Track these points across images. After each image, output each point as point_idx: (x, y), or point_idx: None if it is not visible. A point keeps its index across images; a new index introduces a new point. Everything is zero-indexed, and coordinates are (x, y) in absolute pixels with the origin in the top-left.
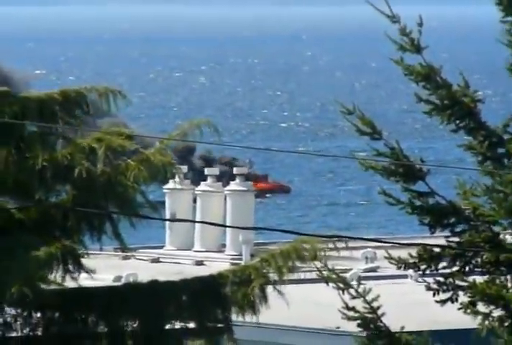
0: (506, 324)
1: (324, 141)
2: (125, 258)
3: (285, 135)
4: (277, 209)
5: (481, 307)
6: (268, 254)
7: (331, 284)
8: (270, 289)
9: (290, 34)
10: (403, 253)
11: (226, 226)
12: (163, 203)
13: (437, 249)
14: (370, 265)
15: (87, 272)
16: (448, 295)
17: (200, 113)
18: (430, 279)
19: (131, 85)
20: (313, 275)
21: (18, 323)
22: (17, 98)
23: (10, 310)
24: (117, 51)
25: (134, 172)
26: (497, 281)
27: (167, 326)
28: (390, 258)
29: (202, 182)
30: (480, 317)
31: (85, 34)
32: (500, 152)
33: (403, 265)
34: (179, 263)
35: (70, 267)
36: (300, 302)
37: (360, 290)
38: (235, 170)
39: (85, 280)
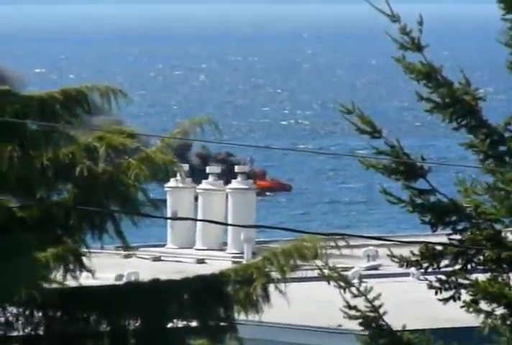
0: (508, 322)
1: (325, 139)
2: (126, 257)
3: (285, 133)
4: (278, 207)
5: (483, 305)
6: (270, 252)
7: (332, 283)
8: (271, 287)
9: (291, 31)
10: (404, 251)
11: (227, 224)
12: (164, 201)
13: (439, 247)
14: (372, 263)
15: (88, 271)
16: (450, 293)
17: (201, 111)
18: (432, 278)
19: (131, 83)
20: (315, 273)
21: (20, 322)
22: (19, 97)
23: (12, 309)
24: (117, 49)
25: (135, 171)
26: (500, 279)
27: (170, 325)
28: (392, 256)
29: (203, 181)
30: (482, 315)
31: (85, 32)
32: (501, 149)
33: (405, 263)
34: (180, 261)
35: (72, 266)
36: (302, 301)
37: (362, 288)
38: (236, 168)
39: (86, 279)
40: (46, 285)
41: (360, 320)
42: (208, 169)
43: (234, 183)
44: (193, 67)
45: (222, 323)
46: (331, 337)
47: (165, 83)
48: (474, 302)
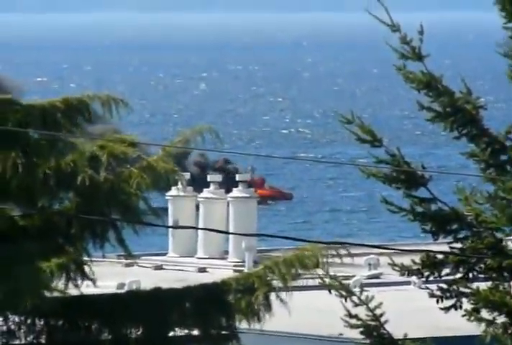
0: (510, 331)
1: (325, 147)
2: (128, 265)
3: (286, 142)
4: (278, 216)
5: (485, 314)
6: (271, 261)
7: (333, 292)
8: (273, 296)
9: (291, 40)
10: (405, 260)
11: (228, 233)
12: (166, 209)
13: (440, 256)
14: (373, 272)
15: (90, 280)
16: (451, 302)
17: (202, 120)
18: (433, 286)
19: (132, 92)
20: (316, 282)
21: (22, 330)
22: (21, 106)
23: (13, 318)
24: (118, 58)
25: (137, 180)
26: (501, 287)
27: (171, 333)
28: (393, 265)
29: (205, 189)
30: (483, 324)
31: (86, 41)
32: (502, 159)
33: (407, 272)
34: (182, 270)
35: (73, 275)
36: (303, 309)
37: (363, 297)
38: (237, 177)
39: (88, 288)
40: (48, 294)
41: (361, 329)
42: (209, 178)
43: (236, 192)
44: (193, 76)
45: (224, 332)
46: None
47: (166, 92)
48: (476, 310)
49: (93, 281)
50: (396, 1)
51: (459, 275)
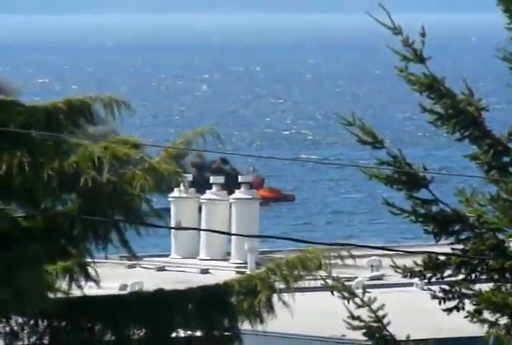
0: None
1: (327, 149)
2: (130, 266)
3: (287, 143)
4: (280, 217)
5: (487, 315)
6: (274, 263)
7: (336, 293)
8: (275, 298)
9: (292, 42)
10: (407, 261)
11: (231, 234)
12: (168, 210)
13: (442, 258)
14: (375, 273)
15: (94, 281)
16: (454, 303)
17: (203, 121)
18: (436, 288)
19: (133, 93)
20: (319, 283)
21: (24, 331)
22: (24, 107)
23: (17, 319)
24: (119, 59)
25: (140, 181)
26: (503, 289)
27: (174, 335)
28: (395, 267)
29: (207, 191)
30: (486, 325)
31: (88, 42)
32: (505, 160)
33: (409, 274)
34: (184, 271)
35: (77, 276)
36: (306, 311)
37: (365, 298)
38: (240, 178)
39: (90, 289)
40: (51, 295)
41: (364, 331)
42: (211, 180)
43: (238, 193)
44: (195, 78)
45: (226, 333)
46: None
47: (168, 94)
48: (478, 312)
49: (97, 282)
50: (394, 1)
51: (461, 276)
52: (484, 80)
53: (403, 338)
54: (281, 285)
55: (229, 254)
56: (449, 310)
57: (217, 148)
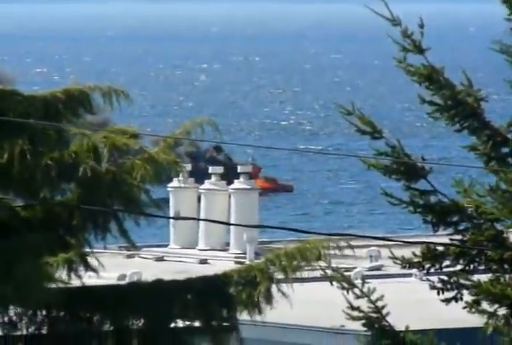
0: None
1: (326, 139)
2: (129, 256)
3: (286, 133)
4: (279, 208)
5: (486, 305)
6: (273, 254)
7: (335, 284)
8: (274, 288)
9: (295, 31)
10: (406, 252)
11: (230, 224)
12: (167, 200)
13: (441, 248)
14: (374, 264)
15: (93, 271)
16: (452, 293)
17: (202, 112)
18: (435, 278)
19: (133, 83)
20: (318, 273)
21: (23, 321)
22: (24, 97)
23: (15, 309)
24: (120, 49)
25: (140, 171)
26: (502, 280)
27: (173, 325)
28: (394, 258)
29: (206, 181)
30: (485, 316)
31: (88, 31)
32: (504, 151)
33: (407, 264)
34: (183, 261)
35: (76, 266)
36: (305, 301)
37: (365, 289)
38: (239, 168)
39: (89, 279)
40: (51, 285)
41: (363, 321)
42: (210, 170)
43: (237, 183)
44: (194, 68)
45: (225, 324)
46: (334, 337)
47: (167, 83)
48: (476, 302)
49: (97, 272)
50: None
51: (459, 267)
52: (482, 70)
53: (402, 329)
54: (280, 276)
55: (228, 244)
56: (447, 301)
57: (215, 138)
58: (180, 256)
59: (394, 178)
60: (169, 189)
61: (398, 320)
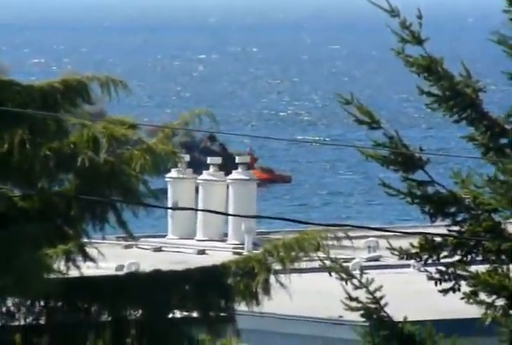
0: (511, 312)
1: (324, 130)
2: (127, 247)
3: (284, 124)
4: (276, 199)
5: (483, 296)
6: (271, 245)
7: (333, 274)
8: (272, 279)
9: (295, 22)
10: (403, 243)
11: (228, 215)
12: (165, 191)
13: (439, 239)
14: (373, 254)
15: (92, 261)
16: (450, 284)
17: (200, 102)
18: (433, 269)
19: (130, 73)
20: (316, 264)
21: (21, 312)
22: (22, 87)
23: (13, 299)
24: (118, 39)
25: (140, 162)
26: (500, 270)
27: (170, 315)
28: (391, 249)
29: (204, 171)
30: (483, 306)
31: (87, 21)
32: (502, 142)
33: (405, 255)
34: (181, 252)
35: (75, 257)
36: (303, 292)
37: (363, 280)
38: (237, 159)
39: (87, 269)
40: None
41: (361, 312)
42: (208, 160)
43: (235, 174)
44: (192, 58)
45: (223, 314)
46: (332, 328)
47: (165, 74)
48: (474, 293)
49: (96, 262)
50: None
51: (457, 258)
52: (481, 61)
53: (400, 320)
54: (278, 267)
55: (226, 234)
56: (444, 292)
57: (211, 128)
58: (178, 247)
59: (392, 169)
60: (167, 179)
61: (395, 311)
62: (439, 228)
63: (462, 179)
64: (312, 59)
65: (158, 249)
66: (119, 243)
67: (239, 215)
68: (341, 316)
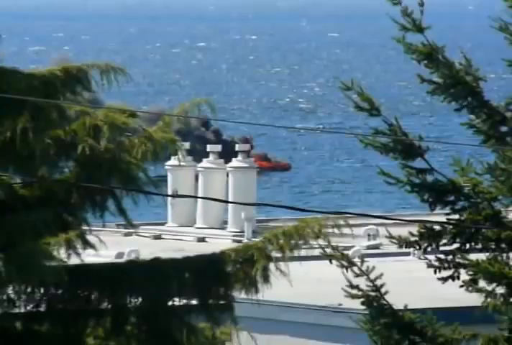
0: (511, 300)
1: (323, 118)
2: (127, 234)
3: (284, 112)
4: (276, 186)
5: (483, 284)
6: (271, 233)
7: (334, 262)
8: (272, 266)
9: (291, 9)
10: (403, 231)
11: (228, 202)
12: (165, 177)
13: (438, 227)
14: (372, 242)
15: (92, 248)
16: (449, 272)
17: (199, 90)
18: (432, 257)
19: (130, 61)
20: (315, 252)
21: (21, 299)
22: (23, 75)
23: (14, 287)
24: (117, 27)
25: (140, 149)
26: (500, 258)
27: (170, 303)
28: (391, 237)
29: (204, 159)
30: (482, 294)
31: (87, 10)
32: (502, 130)
33: (405, 244)
34: (181, 240)
35: (75, 244)
36: (302, 279)
37: (364, 268)
38: (237, 147)
39: (87, 257)
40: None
41: (362, 300)
42: (208, 148)
43: (235, 162)
44: (192, 46)
45: (222, 302)
46: (332, 316)
47: (163, 62)
48: (474, 281)
49: (96, 249)
50: None
51: (456, 245)
52: (481, 49)
53: (400, 308)
54: (278, 254)
55: (225, 222)
56: (444, 280)
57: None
58: (177, 235)
59: (391, 157)
60: (167, 167)
61: (396, 299)
62: (439, 216)
63: (462, 167)
64: (311, 47)
65: (158, 237)
66: (118, 230)
67: (239, 203)
68: (340, 304)
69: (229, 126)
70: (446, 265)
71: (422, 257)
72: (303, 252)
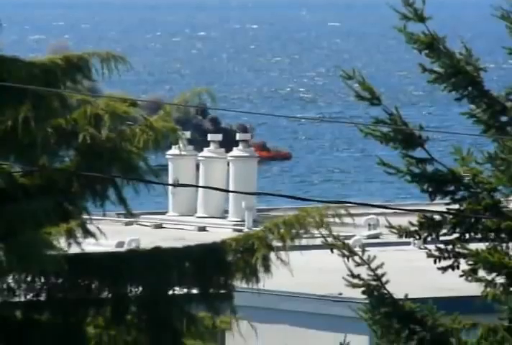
0: (511, 289)
1: (323, 107)
2: (128, 224)
3: (284, 101)
4: (277, 176)
5: (482, 274)
6: (272, 222)
7: (335, 251)
8: (273, 256)
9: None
10: (403, 221)
11: (229, 191)
12: (166, 167)
13: (438, 217)
14: (373, 232)
15: (93, 236)
16: (449, 262)
17: (199, 79)
18: (433, 247)
19: (130, 50)
20: (315, 241)
21: (21, 288)
22: (24, 63)
23: (14, 276)
24: (118, 16)
25: (142, 139)
26: (499, 248)
27: (171, 292)
28: (390, 227)
29: (205, 148)
30: (482, 284)
31: None
32: (503, 120)
33: (404, 234)
34: (182, 229)
35: (76, 233)
36: (303, 269)
37: (365, 257)
38: (238, 136)
39: (88, 246)
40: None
41: (363, 289)
42: (209, 137)
43: (236, 151)
44: (192, 35)
45: (222, 291)
46: (332, 305)
47: (163, 51)
48: (473, 271)
49: (96, 238)
50: None
51: (456, 235)
52: (482, 38)
53: (400, 297)
54: (278, 244)
55: (226, 211)
56: (443, 269)
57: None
58: (178, 224)
59: (391, 146)
60: (168, 156)
61: (396, 289)
62: (439, 206)
63: (463, 156)
64: (312, 36)
65: (159, 226)
66: (119, 220)
67: (239, 192)
68: (340, 293)
69: (229, 115)
70: (446, 255)
71: (422, 247)
72: (303, 241)
